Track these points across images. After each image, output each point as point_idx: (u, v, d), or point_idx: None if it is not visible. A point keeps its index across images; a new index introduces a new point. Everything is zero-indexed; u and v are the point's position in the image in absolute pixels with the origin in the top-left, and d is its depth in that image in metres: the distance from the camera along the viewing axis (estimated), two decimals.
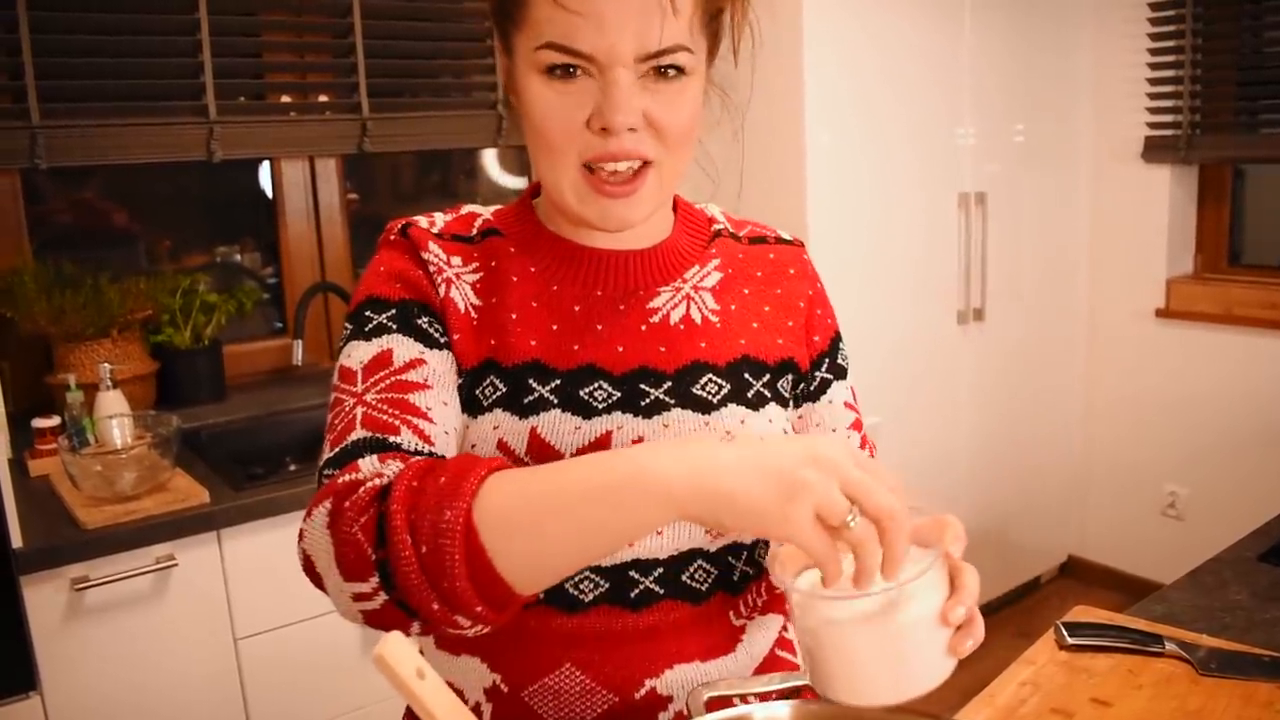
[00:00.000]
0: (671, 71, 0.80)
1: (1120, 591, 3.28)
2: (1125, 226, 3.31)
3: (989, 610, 3.33)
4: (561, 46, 0.77)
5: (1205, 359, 3.19)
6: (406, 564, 0.67)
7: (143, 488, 1.80)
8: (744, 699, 0.76)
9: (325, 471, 0.77)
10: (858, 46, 2.61)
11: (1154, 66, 3.13)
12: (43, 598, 1.64)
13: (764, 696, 0.79)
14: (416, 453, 0.78)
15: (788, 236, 1.03)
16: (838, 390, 1.00)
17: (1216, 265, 3.31)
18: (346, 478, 0.73)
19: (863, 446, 1.04)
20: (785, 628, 0.99)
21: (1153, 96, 3.15)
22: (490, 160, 2.96)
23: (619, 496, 0.66)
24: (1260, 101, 3.05)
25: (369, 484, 0.71)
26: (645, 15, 0.76)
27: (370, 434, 0.78)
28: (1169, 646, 1.12)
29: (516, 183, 3.00)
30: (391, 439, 0.78)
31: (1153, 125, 3.17)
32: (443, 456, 0.80)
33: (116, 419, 1.93)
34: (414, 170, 2.89)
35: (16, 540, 1.62)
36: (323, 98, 2.49)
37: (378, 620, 0.71)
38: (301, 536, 0.74)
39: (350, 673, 1.93)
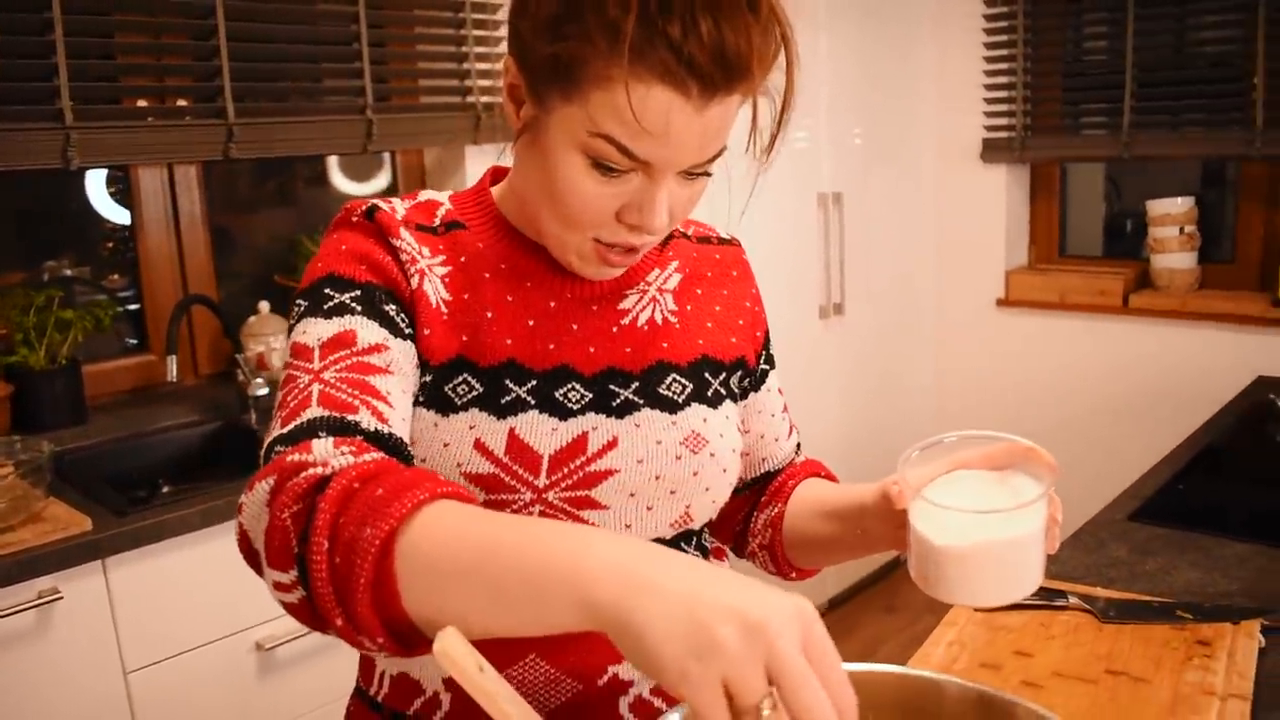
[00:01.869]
0: (700, 171, 0.82)
1: None
2: (967, 222, 3.53)
3: (857, 590, 3.49)
4: (624, 148, 0.76)
5: (1042, 343, 3.43)
6: (317, 570, 0.63)
7: (15, 519, 1.68)
8: None
9: (276, 448, 0.72)
10: None
11: (989, 73, 3.36)
12: None
13: None
14: (375, 433, 0.74)
15: (726, 236, 1.08)
16: (773, 378, 1.07)
17: (1049, 256, 3.57)
18: (296, 457, 0.68)
19: (790, 432, 1.10)
20: None
21: (988, 101, 3.38)
22: (333, 166, 2.89)
23: (542, 582, 0.58)
24: (1081, 106, 3.31)
25: (313, 470, 0.66)
26: (708, 135, 0.78)
27: (327, 412, 0.73)
28: (1072, 600, 1.22)
29: (361, 189, 2.93)
30: (349, 418, 0.74)
31: (989, 128, 3.40)
32: (401, 440, 0.77)
33: None
34: (250, 177, 2.78)
35: None
36: (181, 102, 2.39)
37: (297, 615, 0.67)
38: (240, 510, 0.69)
39: (245, 700, 1.86)
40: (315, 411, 0.73)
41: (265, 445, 0.74)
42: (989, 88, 3.37)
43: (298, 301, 0.84)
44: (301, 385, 0.76)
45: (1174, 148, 3.10)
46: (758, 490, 1.07)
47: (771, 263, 2.99)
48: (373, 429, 0.74)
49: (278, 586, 0.65)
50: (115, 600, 1.70)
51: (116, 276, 2.52)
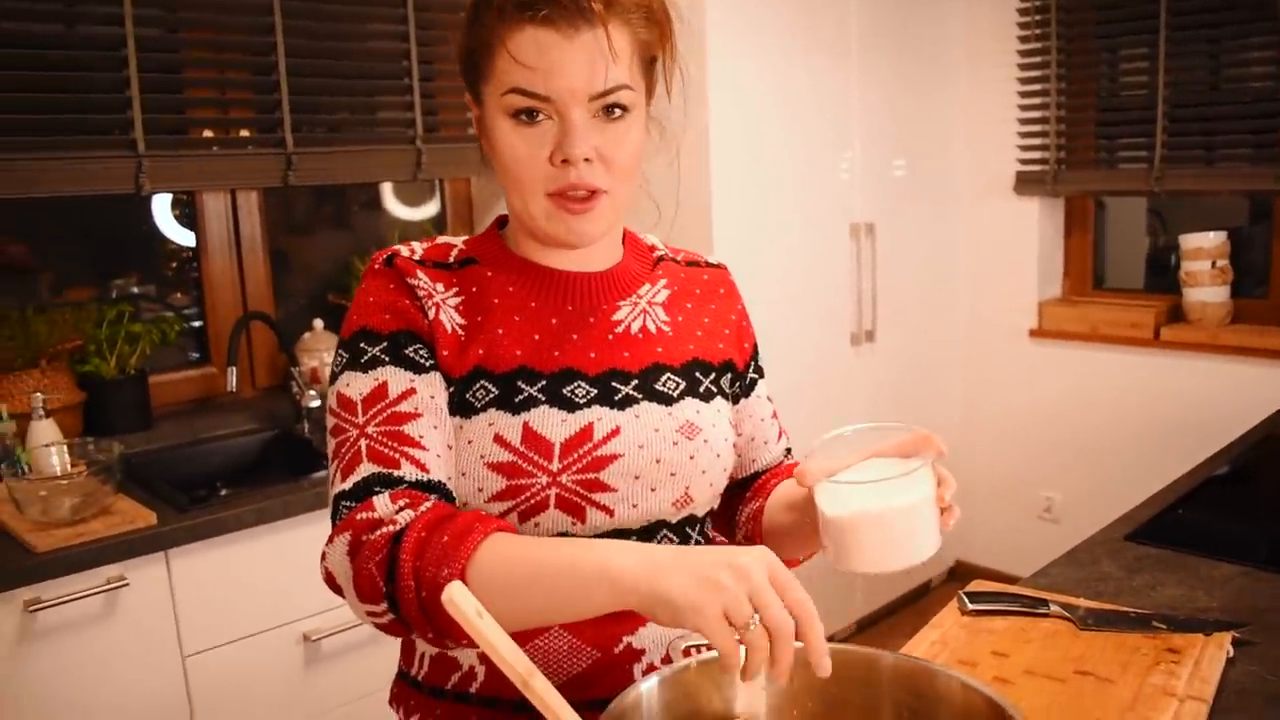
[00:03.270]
0: (617, 111, 0.95)
1: None
2: (1000, 254, 3.60)
3: (885, 614, 3.55)
4: (524, 90, 0.92)
5: (1074, 374, 3.48)
6: (408, 605, 0.84)
7: (87, 512, 1.84)
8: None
9: (344, 503, 0.92)
10: (756, 88, 2.81)
11: (1023, 108, 3.43)
12: None
13: None
14: (417, 482, 0.92)
15: (715, 261, 1.22)
16: (761, 386, 1.20)
17: (1082, 289, 3.62)
18: (364, 515, 0.88)
19: (780, 435, 1.21)
20: None
21: (1022, 135, 3.45)
22: (387, 192, 3.04)
23: (584, 581, 0.80)
24: (1117, 140, 3.37)
25: (385, 529, 0.86)
26: (591, 62, 0.92)
27: (377, 469, 0.92)
28: (1054, 608, 1.29)
29: (413, 214, 3.08)
30: (395, 473, 0.92)
31: (1022, 161, 3.47)
32: (441, 483, 0.94)
33: (55, 447, 1.97)
34: (309, 201, 2.94)
35: None
36: (244, 132, 2.56)
37: (386, 630, 0.89)
38: (324, 557, 0.91)
39: (293, 686, 2.00)
40: (367, 468, 0.92)
41: (332, 498, 0.94)
42: (1023, 121, 3.44)
43: (340, 352, 1.01)
44: (351, 439, 0.95)
45: (1206, 183, 3.15)
46: (746, 488, 1.19)
47: (803, 290, 3.10)
48: (414, 479, 0.92)
49: (370, 614, 0.88)
50: (176, 589, 1.84)
51: (180, 295, 2.69)
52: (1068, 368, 3.50)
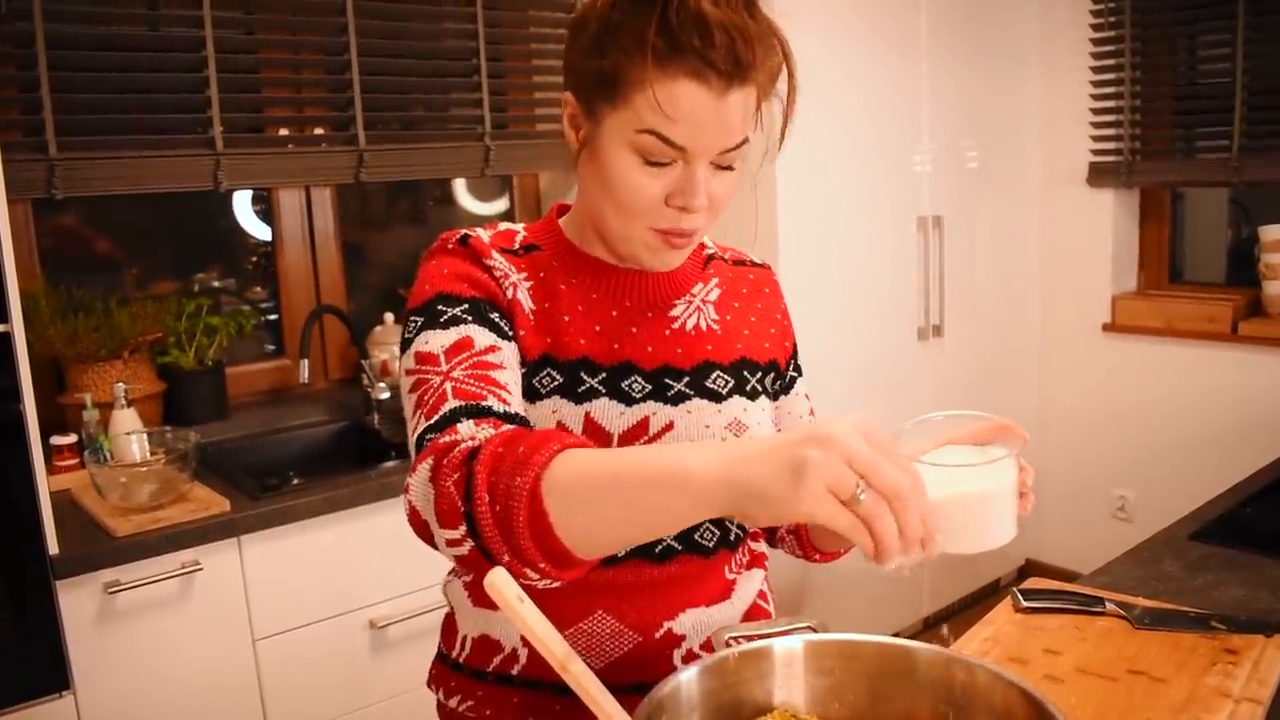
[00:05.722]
0: (733, 159, 0.96)
1: None
2: (1073, 247, 3.53)
3: (954, 612, 3.51)
4: (665, 138, 0.91)
5: (1149, 370, 3.40)
6: (483, 518, 0.78)
7: (164, 498, 1.91)
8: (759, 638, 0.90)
9: (426, 436, 0.87)
10: (824, 78, 2.79)
11: (1096, 97, 3.36)
12: (77, 601, 1.75)
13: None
14: (504, 413, 0.89)
15: (758, 260, 1.23)
16: (800, 384, 1.22)
17: (1158, 282, 3.53)
18: (447, 438, 0.84)
19: None
20: (764, 581, 1.18)
21: (1096, 125, 3.38)
22: (460, 188, 3.10)
23: (662, 487, 0.74)
24: (1195, 130, 3.28)
25: (464, 444, 0.82)
26: (732, 122, 0.92)
27: (462, 402, 0.88)
28: (1109, 606, 1.28)
29: (485, 209, 3.13)
30: (482, 404, 0.89)
31: (1096, 151, 3.40)
32: (524, 418, 0.92)
33: (135, 435, 2.05)
34: (384, 197, 3.00)
35: (53, 547, 1.73)
36: (318, 130, 2.63)
37: (467, 564, 0.82)
38: (407, 490, 0.84)
39: (360, 671, 2.05)
40: (453, 403, 0.89)
41: (416, 436, 0.89)
42: (1096, 111, 3.37)
43: (412, 319, 0.98)
44: (435, 385, 0.91)
45: None
46: None
47: (869, 283, 3.08)
48: (501, 411, 0.89)
49: (450, 543, 0.81)
50: (248, 574, 1.91)
51: (259, 289, 2.77)
52: (1142, 363, 3.42)
